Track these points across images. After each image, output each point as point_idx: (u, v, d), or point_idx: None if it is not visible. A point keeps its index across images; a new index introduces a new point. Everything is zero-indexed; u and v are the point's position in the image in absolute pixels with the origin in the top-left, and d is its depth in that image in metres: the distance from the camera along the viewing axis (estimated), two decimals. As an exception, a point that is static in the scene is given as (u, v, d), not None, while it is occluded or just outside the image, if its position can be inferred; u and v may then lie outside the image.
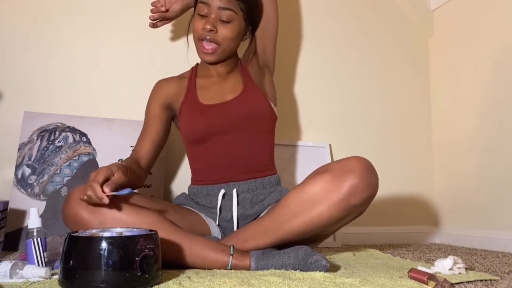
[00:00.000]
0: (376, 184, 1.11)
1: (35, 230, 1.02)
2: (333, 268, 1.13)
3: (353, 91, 2.05)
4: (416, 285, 0.93)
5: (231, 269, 1.08)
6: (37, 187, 1.52)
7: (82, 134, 1.61)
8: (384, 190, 1.19)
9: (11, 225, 1.44)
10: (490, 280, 1.03)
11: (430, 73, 2.19)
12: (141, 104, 1.49)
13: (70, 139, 1.59)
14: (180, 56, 1.65)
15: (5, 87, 1.62)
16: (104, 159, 1.59)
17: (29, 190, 1.51)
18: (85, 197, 1.03)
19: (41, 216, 1.11)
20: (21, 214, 1.47)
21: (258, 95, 1.37)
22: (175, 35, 1.81)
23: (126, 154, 1.59)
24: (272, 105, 1.40)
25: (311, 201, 1.09)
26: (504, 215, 1.73)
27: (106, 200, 1.01)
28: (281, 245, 1.14)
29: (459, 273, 1.06)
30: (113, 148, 1.61)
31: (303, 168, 1.87)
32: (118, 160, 1.57)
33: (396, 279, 0.99)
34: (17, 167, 1.52)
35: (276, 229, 1.12)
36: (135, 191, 1.29)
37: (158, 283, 0.88)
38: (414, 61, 2.17)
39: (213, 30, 1.31)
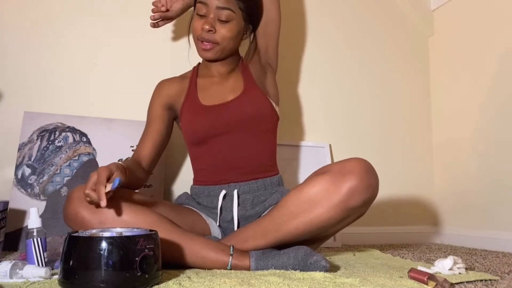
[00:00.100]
0: (376, 186, 1.11)
1: (35, 230, 1.02)
2: (333, 268, 1.13)
3: (353, 91, 2.05)
4: (416, 285, 0.93)
5: (231, 269, 1.08)
6: (37, 187, 1.52)
7: (82, 134, 1.61)
8: (384, 190, 1.19)
9: (11, 225, 1.44)
10: (490, 280, 1.03)
11: (430, 73, 2.19)
12: (141, 104, 1.49)
13: (70, 139, 1.59)
14: (181, 56, 1.65)
15: (5, 87, 1.62)
16: (104, 159, 1.59)
17: (29, 190, 1.51)
18: (88, 199, 1.03)
19: (41, 216, 1.11)
20: (21, 214, 1.47)
21: (259, 95, 1.36)
22: (176, 35, 1.80)
23: (126, 154, 1.60)
24: (274, 104, 1.39)
25: (311, 202, 1.08)
26: (504, 215, 1.73)
27: (103, 203, 1.01)
28: (281, 246, 1.14)
29: (459, 273, 1.06)
30: (113, 148, 1.61)
31: (303, 168, 1.87)
32: (118, 160, 1.58)
33: (396, 279, 0.99)
34: (17, 167, 1.52)
35: (275, 229, 1.12)
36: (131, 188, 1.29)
37: (158, 283, 0.88)
38: (414, 61, 2.17)
39: (211, 30, 1.30)
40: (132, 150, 1.57)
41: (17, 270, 0.92)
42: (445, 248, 1.79)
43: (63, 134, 1.59)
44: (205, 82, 1.41)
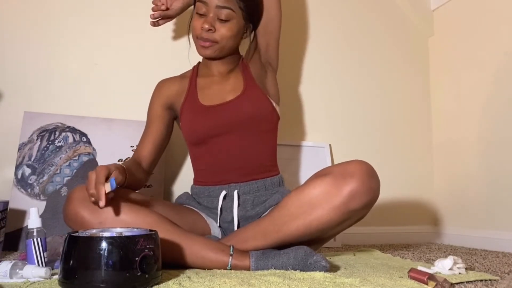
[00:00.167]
0: (377, 188, 1.10)
1: (35, 230, 1.02)
2: (333, 268, 1.13)
3: (353, 91, 2.05)
4: (416, 285, 0.93)
5: (231, 269, 1.08)
6: (37, 187, 1.52)
7: (82, 134, 1.61)
8: (384, 190, 1.18)
9: (11, 225, 1.44)
10: (490, 280, 1.03)
11: (430, 73, 2.19)
12: (141, 104, 1.49)
13: (70, 139, 1.59)
14: (181, 55, 1.65)
15: (5, 87, 1.62)
16: (104, 159, 1.59)
17: (29, 190, 1.51)
18: (92, 199, 1.04)
19: (41, 216, 1.11)
20: (21, 214, 1.47)
21: (259, 95, 1.35)
22: (176, 35, 1.80)
23: (126, 154, 1.60)
24: (274, 104, 1.38)
25: (311, 204, 1.08)
26: (504, 215, 1.73)
27: (102, 204, 1.01)
28: (281, 246, 1.13)
29: (459, 273, 1.06)
30: (113, 148, 1.61)
31: (303, 168, 1.87)
32: (118, 161, 1.58)
33: (396, 279, 0.99)
34: (17, 167, 1.52)
35: (275, 230, 1.12)
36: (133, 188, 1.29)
37: (158, 283, 0.88)
38: (414, 61, 2.17)
39: (211, 30, 1.29)
40: (132, 150, 1.57)
41: (17, 270, 0.92)
42: (445, 248, 1.79)
43: (63, 134, 1.59)
44: (205, 82, 1.41)
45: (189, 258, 1.08)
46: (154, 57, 1.77)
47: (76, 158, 1.58)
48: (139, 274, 0.83)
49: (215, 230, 1.31)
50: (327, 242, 1.27)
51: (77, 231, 0.91)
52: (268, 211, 1.29)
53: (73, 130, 1.61)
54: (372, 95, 2.07)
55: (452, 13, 2.06)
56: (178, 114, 1.40)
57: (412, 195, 2.09)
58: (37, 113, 1.60)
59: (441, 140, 2.11)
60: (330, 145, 1.96)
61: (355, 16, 2.08)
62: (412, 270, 1.00)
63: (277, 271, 1.04)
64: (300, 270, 1.04)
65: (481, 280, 1.02)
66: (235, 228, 1.28)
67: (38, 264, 1.01)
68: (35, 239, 1.01)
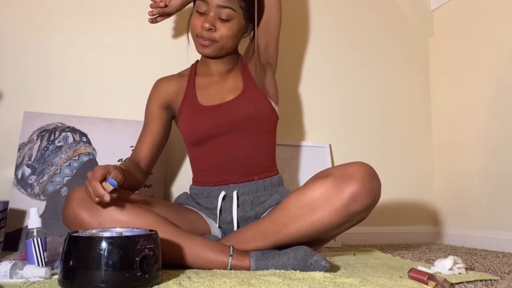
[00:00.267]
0: (378, 190, 1.10)
1: (35, 230, 1.02)
2: (333, 268, 1.13)
3: (353, 91, 2.05)
4: (416, 285, 0.93)
5: (231, 269, 1.08)
6: (37, 187, 1.52)
7: (82, 134, 1.61)
8: (384, 190, 1.18)
9: (11, 225, 1.44)
10: (490, 280, 1.03)
11: (430, 73, 2.19)
12: (141, 104, 1.48)
13: (70, 139, 1.59)
14: (181, 55, 1.64)
15: (5, 87, 1.62)
16: (104, 159, 1.59)
17: (29, 190, 1.51)
18: (97, 200, 1.03)
19: (41, 216, 1.11)
20: (21, 214, 1.47)
21: (258, 95, 1.35)
22: (176, 34, 1.80)
23: (126, 154, 1.59)
24: (274, 104, 1.38)
25: (312, 206, 1.08)
26: (504, 215, 1.73)
27: (107, 197, 1.01)
28: (281, 246, 1.13)
29: (459, 273, 1.06)
30: (113, 148, 1.61)
31: (303, 168, 1.87)
32: (118, 161, 1.58)
33: (396, 279, 0.99)
34: (17, 167, 1.52)
35: (275, 231, 1.11)
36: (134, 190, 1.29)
37: (158, 283, 0.88)
38: (414, 61, 2.17)
39: (211, 29, 1.29)
40: (132, 150, 1.57)
41: (17, 270, 0.92)
42: (445, 248, 1.79)
43: (63, 134, 1.59)
44: (204, 81, 1.40)
45: (189, 258, 1.08)
46: (154, 57, 1.77)
47: (76, 158, 1.58)
48: (139, 274, 0.83)
49: (215, 230, 1.31)
50: (327, 242, 1.27)
51: (77, 231, 0.91)
52: (268, 211, 1.29)
53: (73, 130, 1.61)
54: (372, 95, 2.07)
55: (452, 13, 2.06)
56: (176, 114, 1.39)
57: (412, 195, 2.09)
58: (37, 113, 1.60)
59: (441, 140, 2.11)
60: (330, 145, 1.96)
61: (355, 16, 2.08)
62: (412, 270, 1.00)
63: (277, 271, 1.04)
64: (300, 270, 1.04)
65: (481, 280, 1.02)
66: (235, 228, 1.28)
67: (38, 264, 1.01)
68: (35, 239, 1.01)
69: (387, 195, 1.98)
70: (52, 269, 0.98)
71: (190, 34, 1.38)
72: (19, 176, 1.51)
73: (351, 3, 2.08)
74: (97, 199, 1.03)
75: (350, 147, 1.99)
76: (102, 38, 1.73)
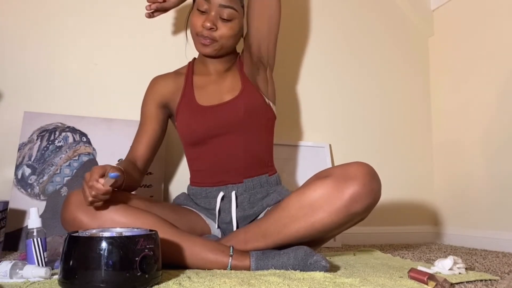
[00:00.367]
0: (379, 190, 1.09)
1: (35, 230, 1.02)
2: (333, 268, 1.13)
3: (353, 91, 2.05)
4: (416, 285, 0.93)
5: (231, 269, 1.08)
6: (37, 187, 1.52)
7: (82, 134, 1.61)
8: (384, 190, 1.18)
9: (11, 225, 1.44)
10: (490, 280, 1.03)
11: (430, 73, 2.19)
12: (141, 104, 1.48)
13: (70, 139, 1.59)
14: (181, 54, 1.65)
15: (5, 87, 1.62)
16: (104, 159, 1.59)
17: (29, 190, 1.51)
18: (90, 199, 1.03)
19: (41, 216, 1.11)
20: (21, 214, 1.47)
21: (256, 95, 1.34)
22: (176, 35, 1.80)
23: (126, 154, 1.59)
24: (271, 104, 1.38)
25: (312, 207, 1.08)
26: (504, 215, 1.73)
27: (107, 186, 1.01)
28: (281, 246, 1.13)
29: (459, 273, 1.06)
30: (113, 148, 1.61)
31: (303, 168, 1.87)
32: (118, 161, 1.58)
33: (396, 279, 0.99)
34: (17, 167, 1.52)
35: (276, 232, 1.11)
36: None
37: (158, 283, 0.88)
38: (414, 61, 2.17)
39: (213, 28, 1.28)
40: (129, 150, 1.56)
41: (17, 270, 0.92)
42: (445, 248, 1.79)
43: (63, 134, 1.59)
44: (201, 81, 1.38)
45: (189, 259, 1.08)
46: (154, 57, 1.77)
47: (76, 158, 1.58)
48: (139, 274, 0.83)
49: (215, 230, 1.31)
50: (327, 242, 1.27)
51: (77, 231, 0.91)
52: (266, 210, 1.29)
53: (73, 130, 1.61)
54: (372, 95, 2.07)
55: (452, 13, 2.06)
56: (173, 113, 1.38)
57: (412, 195, 2.09)
58: (37, 113, 1.60)
59: (441, 140, 2.11)
60: (330, 145, 1.96)
61: (355, 16, 2.08)
62: (412, 270, 1.00)
63: (277, 271, 1.04)
64: (300, 270, 1.04)
65: (481, 280, 1.02)
66: (234, 228, 1.28)
67: (38, 264, 1.01)
68: (35, 239, 1.01)
69: (387, 195, 1.99)
70: (52, 269, 0.98)
71: (188, 32, 1.37)
72: (19, 176, 1.51)
73: (351, 3, 2.08)
74: (90, 199, 1.02)
75: (350, 147, 1.99)
76: (102, 38, 1.73)
